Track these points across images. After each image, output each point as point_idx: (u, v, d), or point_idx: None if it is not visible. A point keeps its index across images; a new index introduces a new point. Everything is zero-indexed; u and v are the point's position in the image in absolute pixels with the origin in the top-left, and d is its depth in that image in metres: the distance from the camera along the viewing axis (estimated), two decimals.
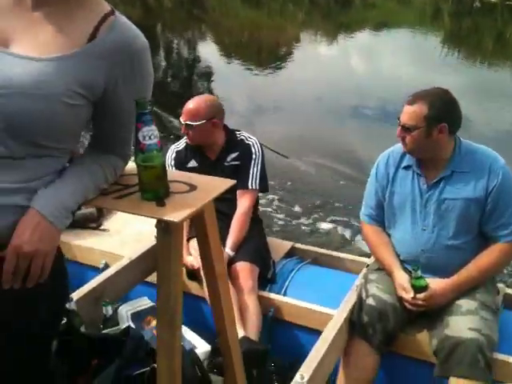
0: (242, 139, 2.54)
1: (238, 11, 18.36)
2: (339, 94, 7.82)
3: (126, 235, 2.81)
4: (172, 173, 1.27)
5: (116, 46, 1.06)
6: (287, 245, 2.69)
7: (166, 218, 1.13)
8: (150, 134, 1.18)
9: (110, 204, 1.20)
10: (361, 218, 2.23)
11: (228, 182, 1.30)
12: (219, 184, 1.29)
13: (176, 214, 1.14)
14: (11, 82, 0.98)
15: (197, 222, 1.28)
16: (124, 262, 2.32)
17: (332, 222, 4.10)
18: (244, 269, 2.28)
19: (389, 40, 13.09)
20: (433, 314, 1.98)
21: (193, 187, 1.26)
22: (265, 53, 11.67)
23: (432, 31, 14.06)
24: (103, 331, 1.89)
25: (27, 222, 1.03)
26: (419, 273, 1.94)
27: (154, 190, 1.20)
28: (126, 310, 2.00)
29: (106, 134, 1.20)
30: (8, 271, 1.02)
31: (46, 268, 1.05)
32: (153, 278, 2.42)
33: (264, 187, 2.54)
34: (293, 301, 2.23)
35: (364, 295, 2.05)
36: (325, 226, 4.05)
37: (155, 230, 2.63)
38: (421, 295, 1.94)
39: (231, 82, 8.38)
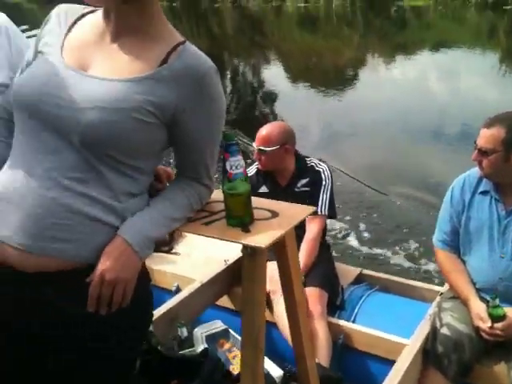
0: (312, 165, 2.58)
1: (295, 35, 18.65)
2: (409, 116, 7.71)
3: (195, 258, 2.89)
4: (254, 200, 1.31)
5: (184, 70, 1.12)
6: (355, 271, 2.67)
7: (252, 244, 1.17)
8: (237, 163, 1.25)
9: (198, 230, 1.26)
10: (434, 244, 2.20)
11: (308, 210, 1.34)
12: (300, 211, 1.32)
13: (261, 240, 1.18)
14: (87, 98, 1.07)
15: (278, 248, 1.32)
16: (196, 285, 2.38)
17: (402, 247, 4.03)
18: (313, 294, 2.29)
19: (448, 60, 12.88)
20: (511, 344, 1.91)
21: (275, 214, 1.30)
22: (327, 75, 11.73)
23: (489, 49, 13.74)
24: (179, 352, 1.94)
25: (113, 250, 1.08)
26: (497, 301, 1.88)
27: (239, 217, 1.25)
28: (200, 332, 2.04)
29: (183, 158, 1.24)
30: (92, 296, 1.07)
31: (128, 295, 1.10)
32: (223, 301, 2.48)
33: (332, 213, 2.56)
34: (363, 328, 2.21)
35: (438, 324, 2.01)
36: (394, 251, 3.99)
37: (224, 254, 2.70)
38: (498, 325, 1.87)
39: (299, 106, 8.44)
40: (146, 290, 1.22)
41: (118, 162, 1.10)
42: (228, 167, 1.24)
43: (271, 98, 9.34)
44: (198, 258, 2.88)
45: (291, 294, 1.36)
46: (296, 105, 8.52)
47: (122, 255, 1.08)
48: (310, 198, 2.47)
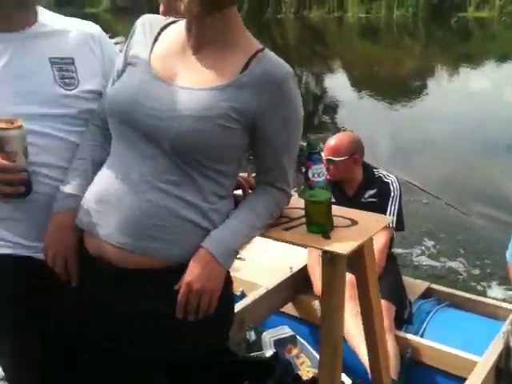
0: (380, 176, 2.56)
1: (356, 46, 18.56)
2: (478, 129, 7.44)
3: (259, 265, 2.92)
4: (334, 207, 1.33)
5: (264, 76, 1.15)
6: (423, 285, 2.63)
7: (333, 250, 1.19)
8: (319, 171, 1.27)
9: (278, 235, 1.28)
10: (507, 260, 2.13)
11: (388, 219, 1.34)
12: (379, 220, 1.33)
13: (342, 247, 1.19)
14: (176, 107, 1.13)
15: (357, 257, 1.32)
16: (261, 291, 2.41)
17: (472, 263, 3.91)
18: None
19: None
20: None
21: (354, 222, 1.31)
22: (390, 85, 11.57)
23: None
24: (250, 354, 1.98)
25: (198, 261, 1.13)
26: None
27: (319, 224, 1.27)
28: (269, 337, 2.07)
29: (261, 163, 1.26)
30: (181, 304, 1.12)
31: (213, 303, 1.14)
32: (287, 308, 2.51)
33: (400, 226, 2.52)
34: (432, 343, 2.17)
35: None
36: (463, 267, 3.88)
37: (288, 261, 2.71)
38: None
39: (362, 116, 8.33)
40: (228, 296, 1.26)
41: (204, 166, 1.15)
42: (310, 175, 1.27)
43: (333, 107, 9.30)
44: (262, 264, 2.92)
45: (368, 305, 1.35)
46: (359, 114, 8.43)
47: (207, 266, 1.12)
48: (377, 209, 2.43)
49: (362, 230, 1.28)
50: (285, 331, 2.16)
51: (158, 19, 1.27)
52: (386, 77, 12.55)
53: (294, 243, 1.28)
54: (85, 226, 1.21)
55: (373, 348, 1.39)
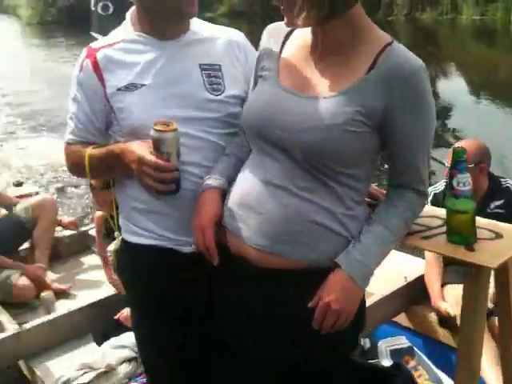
0: (508, 187, 2.44)
1: (470, 48, 17.66)
2: None
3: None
4: (477, 219, 1.28)
5: (391, 70, 1.11)
6: None
7: (480, 263, 1.15)
8: (465, 181, 1.24)
9: (417, 243, 1.26)
10: None
11: None
12: None
13: (488, 260, 1.15)
14: (305, 119, 1.14)
15: (499, 272, 1.26)
16: (374, 298, 2.37)
17: None
18: None
19: None
20: None
21: (498, 235, 1.26)
22: (510, 90, 10.80)
23: None
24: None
25: (337, 281, 1.13)
26: None
27: (462, 235, 1.24)
28: (385, 346, 2.04)
29: (394, 163, 1.22)
30: (318, 320, 1.14)
31: (348, 321, 1.15)
32: (400, 318, 2.44)
33: None
34: None
35: None
36: None
37: (401, 269, 2.61)
38: None
39: (478, 121, 7.86)
40: (361, 309, 1.24)
41: (335, 171, 1.16)
42: (455, 184, 1.24)
43: (449, 112, 8.86)
44: (375, 272, 2.86)
45: (510, 326, 1.28)
46: (477, 120, 7.95)
47: (346, 288, 1.13)
48: (503, 220, 2.32)
49: (507, 243, 1.22)
50: (402, 341, 2.10)
51: (281, 27, 1.27)
52: (504, 81, 11.75)
53: (434, 252, 1.26)
54: (228, 225, 1.26)
55: (509, 367, 1.32)
